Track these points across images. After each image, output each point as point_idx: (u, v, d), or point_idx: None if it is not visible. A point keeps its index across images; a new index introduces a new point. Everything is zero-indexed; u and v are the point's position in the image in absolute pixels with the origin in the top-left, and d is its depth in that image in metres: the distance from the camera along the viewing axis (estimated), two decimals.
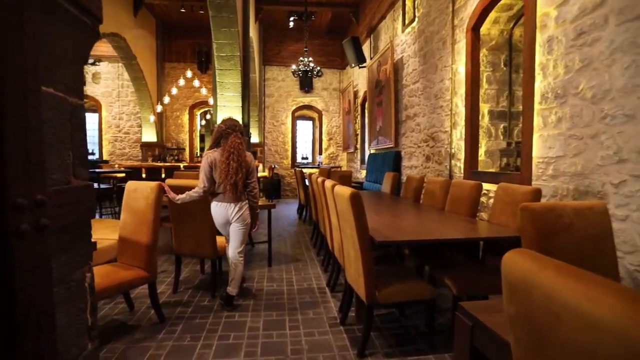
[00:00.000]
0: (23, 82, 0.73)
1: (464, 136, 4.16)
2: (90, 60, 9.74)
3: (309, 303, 2.87)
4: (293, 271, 3.68)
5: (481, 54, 3.98)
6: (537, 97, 2.81)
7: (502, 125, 4.07)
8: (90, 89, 10.01)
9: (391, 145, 6.40)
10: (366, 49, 8.07)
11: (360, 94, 8.93)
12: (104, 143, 10.19)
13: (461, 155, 4.22)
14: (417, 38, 5.54)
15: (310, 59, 7.91)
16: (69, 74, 0.89)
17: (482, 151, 4.07)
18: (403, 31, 6.12)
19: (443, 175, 4.68)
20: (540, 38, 2.74)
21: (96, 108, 10.16)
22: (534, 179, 2.90)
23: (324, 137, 10.98)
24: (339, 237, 2.55)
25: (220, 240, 2.97)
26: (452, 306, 2.21)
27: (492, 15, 3.80)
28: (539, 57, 2.77)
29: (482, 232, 2.31)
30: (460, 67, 4.25)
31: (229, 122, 2.64)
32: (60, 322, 0.82)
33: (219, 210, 2.63)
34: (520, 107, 3.95)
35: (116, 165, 8.26)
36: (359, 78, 9.12)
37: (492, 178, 3.65)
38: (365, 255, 1.94)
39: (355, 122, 9.36)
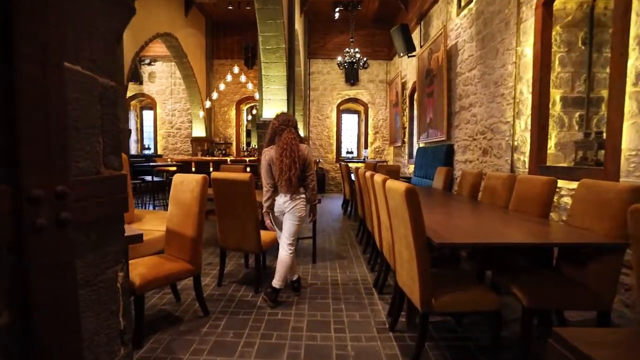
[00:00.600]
0: (42, 55, 0.63)
1: (529, 127, 3.72)
2: (147, 60, 10.32)
3: (355, 304, 2.70)
4: (338, 269, 3.53)
5: (554, 33, 3.51)
6: (630, 78, 2.37)
7: (577, 114, 3.57)
8: (146, 87, 10.61)
9: (443, 139, 5.99)
10: (416, 37, 7.63)
11: (409, 85, 8.50)
12: (158, 138, 10.77)
13: (526, 148, 3.79)
14: (475, 20, 5.07)
15: (357, 49, 7.67)
16: (99, 51, 0.80)
17: (551, 143, 3.61)
18: (458, 14, 5.66)
19: (503, 171, 4.25)
20: (638, 5, 2.30)
21: (152, 106, 10.76)
22: (622, 175, 2.47)
23: (370, 131, 10.68)
24: (389, 236, 2.35)
25: (265, 235, 2.90)
26: (521, 319, 1.92)
27: None
28: (634, 30, 2.32)
29: (559, 236, 1.98)
30: (527, 49, 3.79)
31: (282, 118, 2.64)
32: (88, 327, 0.74)
33: (277, 202, 2.68)
34: (602, 92, 3.43)
35: (169, 159, 8.68)
36: (407, 68, 8.69)
37: (565, 174, 3.20)
38: (421, 257, 1.72)
39: (403, 115, 8.96)
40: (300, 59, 9.18)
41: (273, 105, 5.26)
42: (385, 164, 10.03)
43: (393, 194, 1.94)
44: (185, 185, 2.34)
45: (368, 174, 2.94)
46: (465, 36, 5.41)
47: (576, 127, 3.59)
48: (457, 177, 5.65)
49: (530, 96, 3.72)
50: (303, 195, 2.67)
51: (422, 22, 7.50)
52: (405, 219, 1.73)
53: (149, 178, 6.75)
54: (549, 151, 3.61)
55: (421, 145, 7.36)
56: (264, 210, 2.70)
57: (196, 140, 10.32)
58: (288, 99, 5.31)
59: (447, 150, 5.76)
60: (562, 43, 3.52)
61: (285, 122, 2.60)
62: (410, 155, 8.56)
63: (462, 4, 5.55)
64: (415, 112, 8.33)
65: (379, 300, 2.77)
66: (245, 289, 2.96)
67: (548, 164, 3.57)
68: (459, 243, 1.76)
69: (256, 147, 8.26)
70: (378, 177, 2.42)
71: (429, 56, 6.62)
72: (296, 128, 2.64)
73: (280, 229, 2.75)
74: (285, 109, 5.30)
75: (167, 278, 2.22)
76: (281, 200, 2.65)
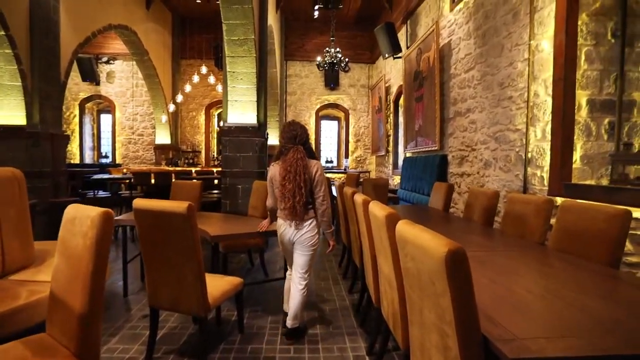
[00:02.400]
0: None
1: (548, 136, 3.07)
2: (104, 58, 9.24)
3: None
4: (317, 326, 2.62)
5: (579, 22, 2.89)
6: None
7: (606, 120, 2.95)
8: (104, 88, 9.52)
9: (435, 148, 5.33)
10: (401, 37, 7.03)
11: (394, 90, 7.88)
12: (117, 145, 9.65)
13: (544, 161, 3.13)
14: (473, 15, 4.46)
15: (338, 49, 6.96)
16: None
17: (576, 156, 2.97)
18: (452, 9, 5.05)
19: (512, 188, 3.59)
20: None
21: (110, 109, 9.65)
22: None
23: (351, 139, 9.99)
24: (394, 298, 1.57)
25: (215, 286, 2.05)
26: None
27: None
28: None
29: None
30: (544, 42, 3.17)
31: (288, 133, 2.29)
32: None
33: (281, 229, 2.35)
34: (634, 94, 2.84)
35: (124, 170, 7.63)
36: (391, 71, 8.08)
37: (601, 195, 2.55)
38: None
39: (387, 122, 8.31)
40: (276, 60, 8.40)
41: (240, 108, 4.43)
42: (367, 174, 9.35)
43: (415, 252, 1.13)
44: (77, 225, 1.47)
45: (359, 200, 2.15)
46: (460, 33, 4.80)
47: (605, 137, 2.97)
48: (465, 195, 4.99)
49: (549, 99, 3.08)
50: (312, 219, 2.30)
51: (408, 22, 6.91)
52: (442, 304, 0.95)
53: (91, 194, 5.72)
54: (573, 165, 2.96)
55: (408, 154, 6.70)
56: (269, 214, 2.54)
57: (160, 148, 9.30)
58: (259, 101, 4.50)
59: (440, 162, 5.10)
60: (588, 35, 2.90)
61: (292, 138, 2.26)
62: (395, 166, 7.91)
63: None
64: (401, 118, 7.70)
65: None
66: None
67: (573, 180, 2.92)
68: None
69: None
70: (378, 210, 1.63)
71: (417, 57, 5.99)
72: (306, 142, 2.31)
73: (289, 256, 2.41)
74: (254, 114, 4.48)
75: None
76: (283, 228, 2.32)
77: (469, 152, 4.52)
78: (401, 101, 7.75)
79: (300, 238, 2.26)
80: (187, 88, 7.97)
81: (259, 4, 4.44)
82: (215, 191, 5.83)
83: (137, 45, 7.38)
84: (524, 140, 3.40)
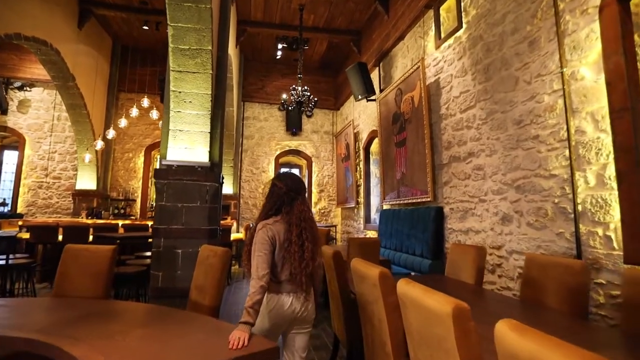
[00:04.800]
0: None
1: (610, 182, 2.33)
2: (18, 84, 7.60)
3: None
4: None
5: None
6: None
7: None
8: (13, 119, 7.73)
9: (426, 199, 4.50)
10: (374, 80, 6.52)
11: (364, 136, 7.23)
12: (21, 190, 7.65)
13: (607, 215, 2.35)
14: (468, 50, 3.95)
15: (306, 87, 6.22)
16: None
17: None
18: (438, 47, 4.58)
19: (552, 250, 2.75)
20: None
21: (18, 144, 7.79)
22: None
23: (314, 189, 9.03)
24: None
25: None
26: None
27: None
28: None
29: None
30: (583, 69, 2.56)
31: (291, 183, 1.82)
32: None
33: (283, 305, 1.71)
34: None
35: (20, 223, 5.76)
36: (360, 117, 7.51)
37: None
38: None
39: (357, 170, 7.54)
40: (233, 99, 7.46)
41: (187, 141, 3.27)
42: (333, 228, 8.33)
43: None
44: None
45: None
46: (451, 70, 4.26)
47: None
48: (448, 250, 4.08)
49: (603, 135, 2.39)
50: (312, 289, 1.84)
51: (381, 64, 6.47)
52: None
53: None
54: None
55: (386, 207, 5.83)
56: (248, 314, 1.49)
57: (81, 195, 7.50)
58: (213, 133, 3.38)
59: (436, 215, 4.24)
60: None
61: (297, 189, 1.82)
62: (367, 219, 6.98)
63: (443, 34, 4.51)
64: (373, 167, 6.97)
65: None
66: None
67: None
68: None
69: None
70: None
71: (396, 98, 5.40)
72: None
73: (276, 338, 1.76)
74: (206, 148, 3.34)
75: None
76: (288, 303, 1.70)
77: (476, 203, 3.72)
78: (373, 148, 7.08)
79: (308, 313, 1.80)
80: (123, 122, 6.59)
81: (219, 7, 3.51)
82: (149, 253, 4.32)
83: (60, 67, 6.01)
84: (568, 188, 2.64)
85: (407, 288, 1.24)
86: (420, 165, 4.67)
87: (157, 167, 3.48)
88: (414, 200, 4.82)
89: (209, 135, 3.30)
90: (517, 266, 3.13)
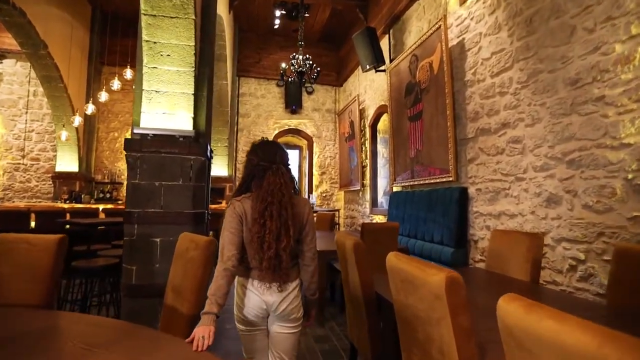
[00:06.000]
0: None
1: None
2: None
3: None
4: None
5: None
6: None
7: None
8: None
9: (448, 179, 3.93)
10: (383, 49, 5.85)
11: (370, 113, 6.61)
12: None
13: None
14: (504, 0, 3.31)
15: (307, 56, 5.56)
16: None
17: None
18: (463, 2, 3.92)
19: (625, 239, 2.20)
20: None
21: None
22: None
23: (315, 171, 8.45)
24: None
25: None
26: None
27: None
28: None
29: None
30: None
31: (262, 153, 1.55)
32: None
33: (252, 299, 1.48)
34: None
35: None
36: (367, 92, 6.86)
37: None
38: None
39: (362, 150, 6.94)
40: (227, 72, 6.78)
41: (165, 105, 2.65)
42: (336, 212, 7.79)
43: None
44: None
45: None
46: (480, 28, 3.63)
47: None
48: (477, 239, 3.55)
49: None
50: (299, 282, 1.55)
51: (391, 32, 5.80)
52: None
53: None
54: None
55: (397, 189, 5.28)
56: (211, 303, 1.31)
57: (61, 178, 6.88)
58: (198, 98, 2.76)
59: (460, 197, 3.69)
60: None
61: (270, 155, 1.53)
62: (374, 203, 6.43)
63: None
64: (383, 147, 6.38)
65: None
66: None
67: None
68: None
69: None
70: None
71: (411, 66, 4.77)
72: (288, 167, 1.56)
73: (255, 341, 1.55)
74: (188, 114, 2.73)
75: None
76: (256, 293, 1.47)
77: (511, 183, 3.15)
78: (380, 126, 6.47)
79: (285, 308, 1.47)
80: (103, 96, 5.91)
81: None
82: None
83: (28, 32, 5.29)
84: None
85: (510, 309, 0.68)
86: (440, 140, 4.08)
87: (129, 136, 2.88)
88: (432, 180, 4.25)
89: (192, 97, 2.68)
90: (567, 256, 2.59)
